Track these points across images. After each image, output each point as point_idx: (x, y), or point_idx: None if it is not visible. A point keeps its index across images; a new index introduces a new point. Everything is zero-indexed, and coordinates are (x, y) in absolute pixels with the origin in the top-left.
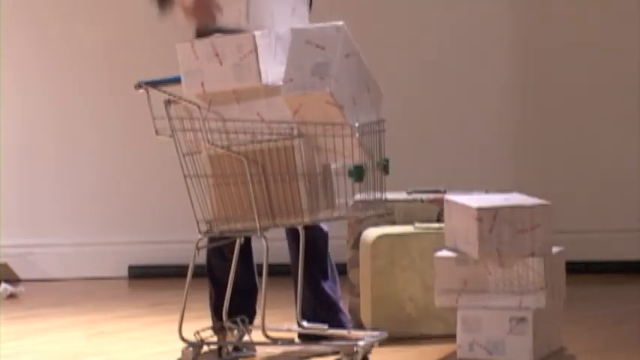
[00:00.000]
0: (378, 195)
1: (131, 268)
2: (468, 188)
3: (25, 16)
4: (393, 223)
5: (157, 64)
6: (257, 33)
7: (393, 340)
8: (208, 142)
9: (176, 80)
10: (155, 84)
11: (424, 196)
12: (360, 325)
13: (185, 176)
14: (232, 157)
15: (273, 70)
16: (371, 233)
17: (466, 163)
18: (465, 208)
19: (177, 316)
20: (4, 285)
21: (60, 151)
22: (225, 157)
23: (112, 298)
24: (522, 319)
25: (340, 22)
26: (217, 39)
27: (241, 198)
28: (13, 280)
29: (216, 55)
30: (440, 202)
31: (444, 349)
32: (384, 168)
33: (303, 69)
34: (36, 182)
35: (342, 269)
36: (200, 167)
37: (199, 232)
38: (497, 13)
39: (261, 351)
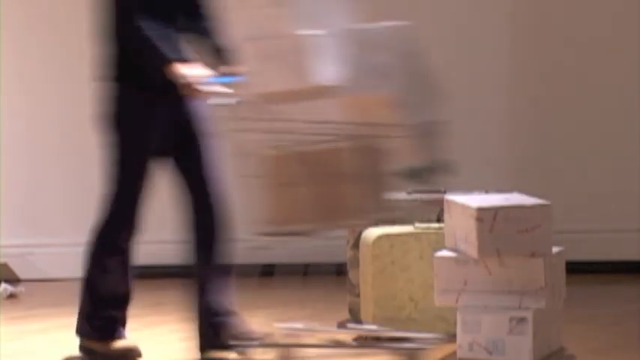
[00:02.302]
0: (435, 195)
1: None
2: (468, 188)
3: (27, 16)
4: (393, 223)
5: None
6: (312, 33)
7: (393, 340)
8: (267, 142)
9: (228, 80)
10: (208, 84)
11: (424, 196)
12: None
13: (242, 177)
14: (290, 158)
15: (330, 70)
16: (371, 233)
17: (466, 163)
18: (465, 208)
19: (177, 317)
20: (4, 285)
21: (60, 151)
22: (283, 157)
23: None
24: (522, 319)
25: (400, 22)
26: (274, 40)
27: (298, 199)
28: (13, 280)
29: (273, 55)
30: (440, 202)
31: (444, 349)
32: (443, 168)
33: (360, 69)
34: (36, 182)
35: (342, 269)
36: (255, 168)
37: (256, 233)
38: (498, 12)
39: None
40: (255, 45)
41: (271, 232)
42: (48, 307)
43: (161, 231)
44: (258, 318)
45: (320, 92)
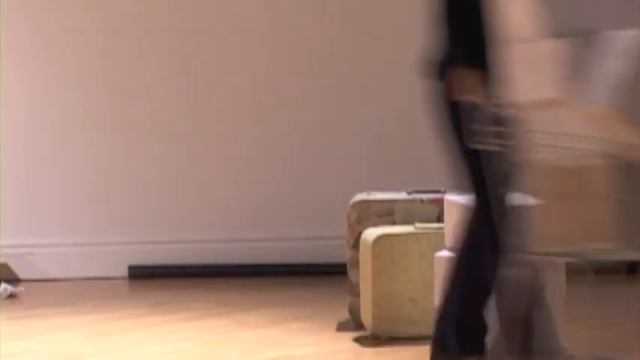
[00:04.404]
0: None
1: (131, 268)
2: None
3: (27, 16)
4: (393, 223)
5: (158, 64)
6: (568, 41)
7: (393, 340)
8: (544, 152)
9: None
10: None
11: (424, 196)
12: (359, 325)
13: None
14: (561, 172)
15: (584, 81)
16: (371, 233)
17: None
18: (465, 208)
19: (177, 316)
20: (4, 285)
21: (60, 151)
22: (556, 171)
23: (111, 298)
24: None
25: None
26: (533, 44)
27: (568, 216)
28: (13, 280)
29: (536, 62)
30: (440, 202)
31: None
32: None
33: (610, 81)
34: (36, 182)
35: (342, 269)
36: (533, 182)
37: (528, 252)
38: None
39: None
40: (517, 50)
41: (547, 251)
42: (48, 307)
43: (161, 231)
44: (258, 318)
45: (572, 103)
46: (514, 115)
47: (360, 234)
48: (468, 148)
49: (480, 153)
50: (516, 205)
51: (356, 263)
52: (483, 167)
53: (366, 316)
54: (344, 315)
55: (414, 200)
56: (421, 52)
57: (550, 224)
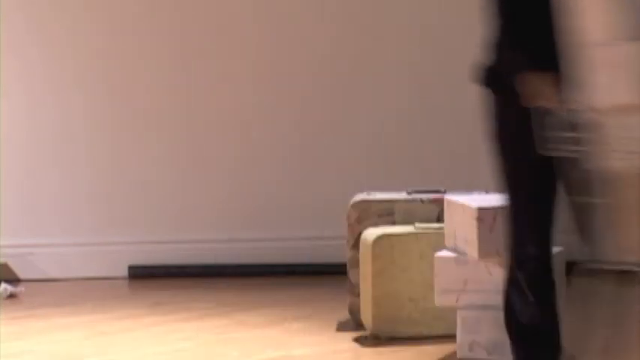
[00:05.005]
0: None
1: (131, 268)
2: (468, 188)
3: (28, 16)
4: (393, 223)
5: (158, 64)
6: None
7: (393, 340)
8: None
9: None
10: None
11: (424, 196)
12: (359, 325)
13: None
14: (635, 179)
15: None
16: (371, 233)
17: (466, 163)
18: (465, 208)
19: (177, 316)
20: (4, 285)
21: (60, 151)
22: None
23: (111, 298)
24: None
25: None
26: (611, 49)
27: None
28: (13, 280)
29: (614, 65)
30: (440, 202)
31: (444, 349)
32: None
33: None
34: (36, 182)
35: (342, 269)
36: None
37: (603, 261)
38: None
39: None
40: (595, 52)
41: (624, 261)
42: (48, 307)
43: (161, 231)
44: (258, 318)
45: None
46: (591, 121)
47: (360, 234)
48: (536, 156)
49: (552, 161)
50: (591, 212)
51: (356, 263)
52: (556, 175)
53: (366, 316)
54: (344, 315)
55: (414, 200)
56: (475, 58)
57: (627, 233)
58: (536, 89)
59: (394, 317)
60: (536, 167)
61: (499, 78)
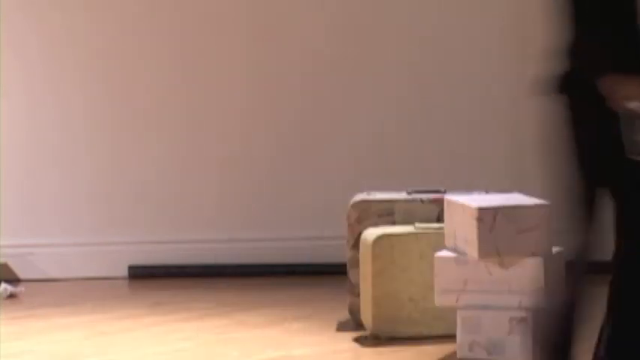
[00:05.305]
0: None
1: (131, 268)
2: (468, 188)
3: (28, 15)
4: (393, 223)
5: (158, 64)
6: None
7: (393, 340)
8: None
9: None
10: None
11: (424, 196)
12: (359, 325)
13: None
14: None
15: None
16: (371, 233)
17: (466, 163)
18: (465, 208)
19: (177, 316)
20: (4, 285)
21: (60, 151)
22: None
23: (111, 298)
24: (522, 319)
25: None
26: None
27: None
28: (13, 280)
29: None
30: (440, 202)
31: (444, 349)
32: None
33: None
34: (36, 182)
35: (342, 269)
36: None
37: None
38: (497, 13)
39: None
40: None
41: None
42: (48, 307)
43: (161, 231)
44: (258, 318)
45: None
46: None
47: (360, 234)
48: (618, 160)
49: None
50: None
51: (356, 263)
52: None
53: (366, 316)
54: (344, 315)
55: (414, 200)
56: (542, 66)
57: None
58: (625, 92)
59: (394, 317)
60: (612, 170)
61: (577, 83)
